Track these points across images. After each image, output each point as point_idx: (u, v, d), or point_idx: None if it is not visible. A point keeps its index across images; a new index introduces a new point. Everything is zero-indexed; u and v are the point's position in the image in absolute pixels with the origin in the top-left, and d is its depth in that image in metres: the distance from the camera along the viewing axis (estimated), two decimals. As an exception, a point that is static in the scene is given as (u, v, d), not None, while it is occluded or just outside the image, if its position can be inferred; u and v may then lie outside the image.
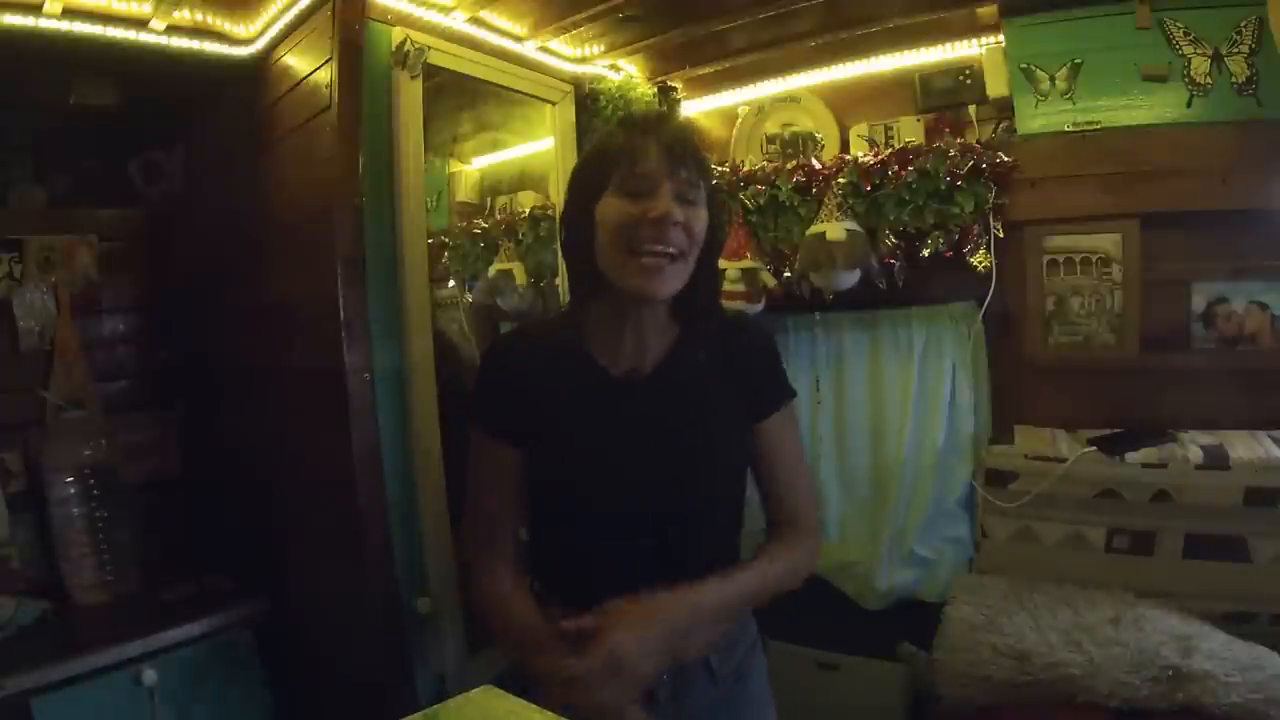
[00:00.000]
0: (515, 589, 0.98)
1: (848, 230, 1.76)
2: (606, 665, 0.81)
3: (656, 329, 0.97)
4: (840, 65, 2.00)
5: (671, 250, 0.88)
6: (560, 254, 1.01)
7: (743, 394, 1.00)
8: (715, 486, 0.98)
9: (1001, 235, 1.72)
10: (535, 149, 2.36)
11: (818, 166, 1.86)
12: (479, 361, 1.05)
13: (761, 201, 1.92)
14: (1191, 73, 1.62)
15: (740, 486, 1.01)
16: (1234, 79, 1.59)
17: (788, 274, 1.92)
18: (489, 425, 0.99)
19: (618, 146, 0.90)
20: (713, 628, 0.95)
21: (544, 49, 1.89)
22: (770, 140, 2.10)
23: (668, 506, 0.94)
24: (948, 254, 1.76)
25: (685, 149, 0.90)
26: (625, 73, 2.10)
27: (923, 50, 1.90)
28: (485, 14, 1.71)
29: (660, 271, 0.88)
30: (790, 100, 2.07)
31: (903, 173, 1.74)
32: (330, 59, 1.45)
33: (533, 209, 2.31)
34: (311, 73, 1.52)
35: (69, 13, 1.44)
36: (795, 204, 1.88)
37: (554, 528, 1.00)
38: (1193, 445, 1.53)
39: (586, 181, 0.93)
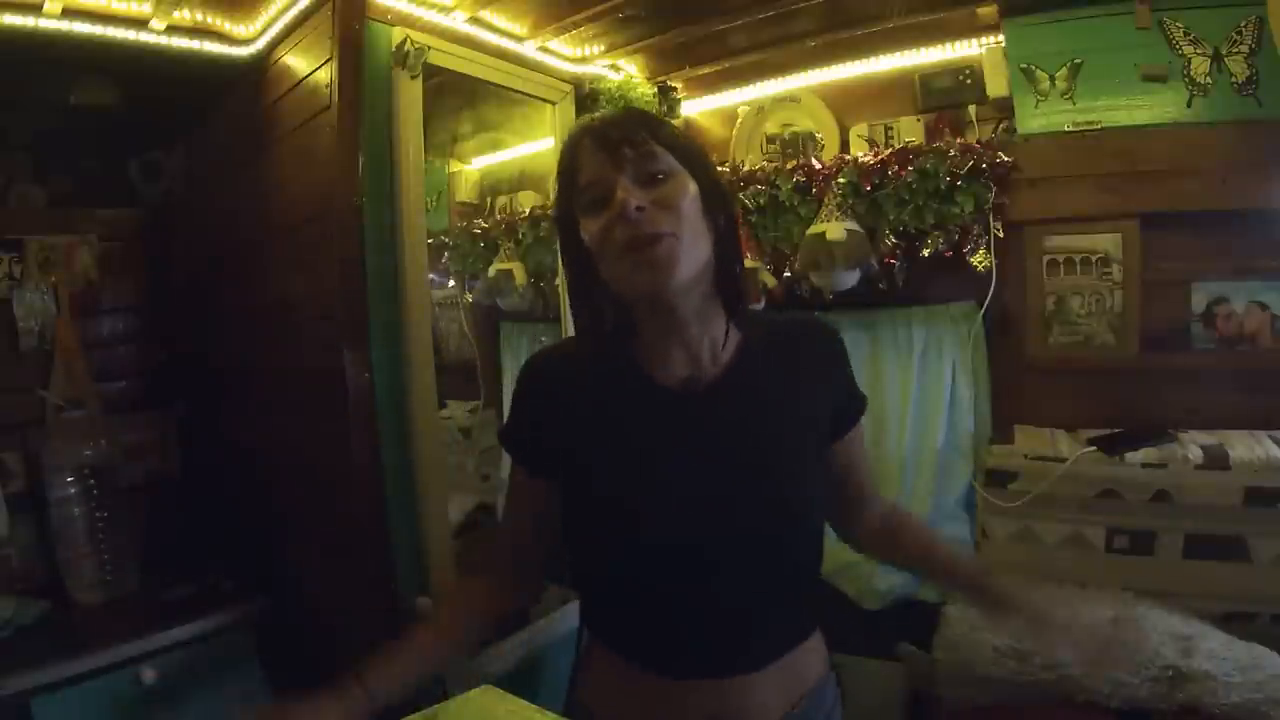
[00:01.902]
0: (449, 614, 0.98)
1: (848, 230, 1.76)
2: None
3: (706, 328, 0.86)
4: (840, 65, 2.00)
5: (657, 233, 0.78)
6: (572, 285, 0.92)
7: (819, 408, 0.90)
8: (802, 504, 0.85)
9: (1001, 235, 1.72)
10: (535, 149, 2.37)
11: (818, 166, 1.85)
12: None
13: (761, 201, 1.91)
14: (1191, 73, 1.61)
15: (821, 510, 0.91)
16: (1234, 79, 1.59)
17: (788, 274, 1.93)
18: (517, 454, 0.92)
19: (565, 167, 0.85)
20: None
21: (544, 49, 1.89)
22: (770, 140, 2.09)
23: (746, 533, 0.82)
24: (948, 254, 1.75)
25: (623, 129, 0.81)
26: (625, 73, 2.10)
27: (923, 50, 1.89)
28: (485, 14, 1.71)
29: (655, 260, 0.78)
30: (790, 100, 2.07)
31: (903, 173, 1.74)
32: (330, 59, 1.45)
33: (533, 209, 2.31)
34: (311, 73, 1.52)
35: (69, 13, 1.44)
36: (795, 204, 1.88)
37: (604, 567, 0.87)
38: (1193, 445, 1.53)
39: (562, 217, 0.87)
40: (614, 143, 0.80)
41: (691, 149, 0.85)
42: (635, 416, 0.86)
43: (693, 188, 0.81)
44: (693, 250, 0.80)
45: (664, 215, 0.78)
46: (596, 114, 0.91)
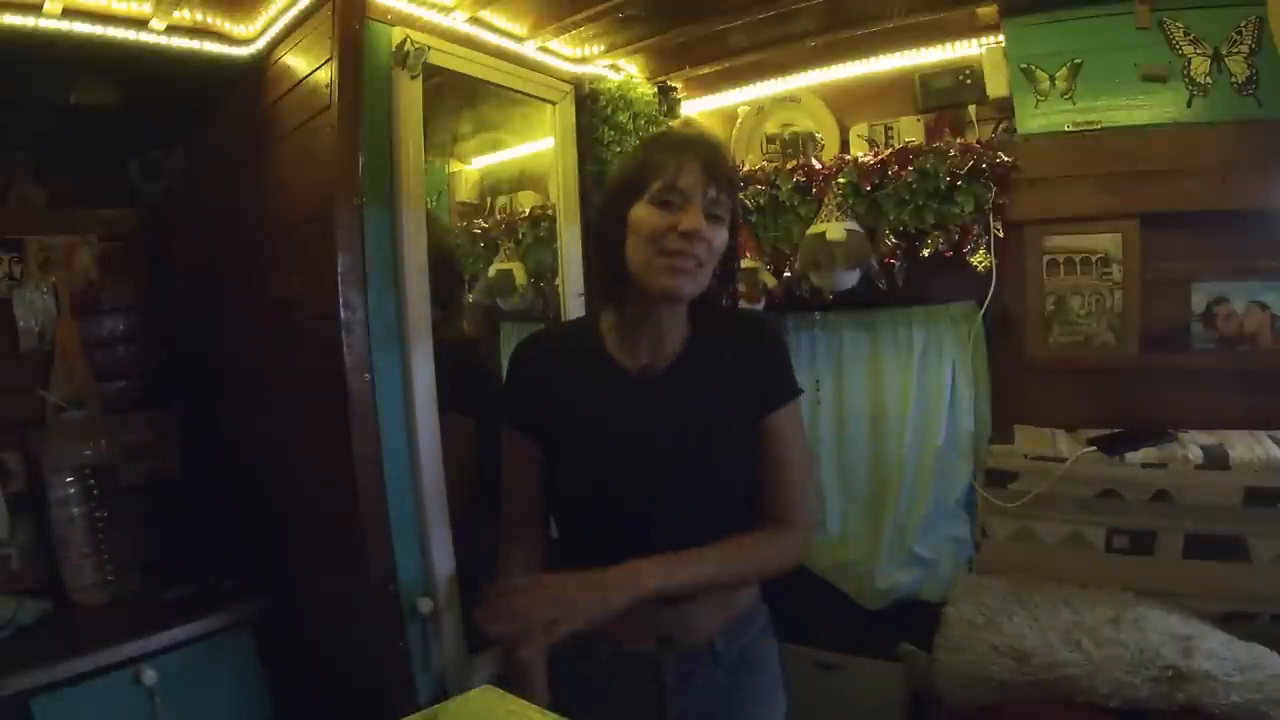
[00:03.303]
0: (519, 558, 1.09)
1: (848, 230, 1.76)
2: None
3: (675, 329, 1.04)
4: (840, 65, 2.00)
5: (697, 260, 0.96)
6: (594, 251, 1.10)
7: (752, 388, 1.05)
8: (730, 475, 1.03)
9: (1001, 235, 1.73)
10: (535, 149, 2.37)
11: (818, 166, 1.86)
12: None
13: (761, 201, 1.92)
14: (1191, 73, 1.62)
15: (743, 478, 1.06)
16: (1234, 79, 1.59)
17: (788, 274, 1.93)
18: (517, 423, 1.08)
19: (659, 160, 0.97)
20: (715, 609, 1.03)
21: (544, 49, 1.89)
22: (770, 140, 2.10)
23: (684, 496, 1.00)
24: (948, 254, 1.76)
25: (720, 169, 0.97)
26: (625, 73, 2.10)
27: (923, 50, 1.90)
28: (485, 14, 1.71)
29: (688, 274, 0.95)
30: (790, 100, 2.07)
31: (903, 173, 1.74)
32: (330, 59, 1.45)
33: (533, 209, 2.31)
34: (311, 73, 1.52)
35: (69, 13, 1.44)
36: (795, 204, 1.88)
37: (578, 525, 1.08)
38: (1193, 445, 1.53)
39: (624, 188, 1.00)
40: (710, 178, 0.96)
41: (737, 206, 1.03)
42: (598, 395, 1.04)
43: (726, 235, 1.00)
44: (705, 280, 0.99)
45: (705, 248, 0.96)
46: (704, 134, 1.18)
